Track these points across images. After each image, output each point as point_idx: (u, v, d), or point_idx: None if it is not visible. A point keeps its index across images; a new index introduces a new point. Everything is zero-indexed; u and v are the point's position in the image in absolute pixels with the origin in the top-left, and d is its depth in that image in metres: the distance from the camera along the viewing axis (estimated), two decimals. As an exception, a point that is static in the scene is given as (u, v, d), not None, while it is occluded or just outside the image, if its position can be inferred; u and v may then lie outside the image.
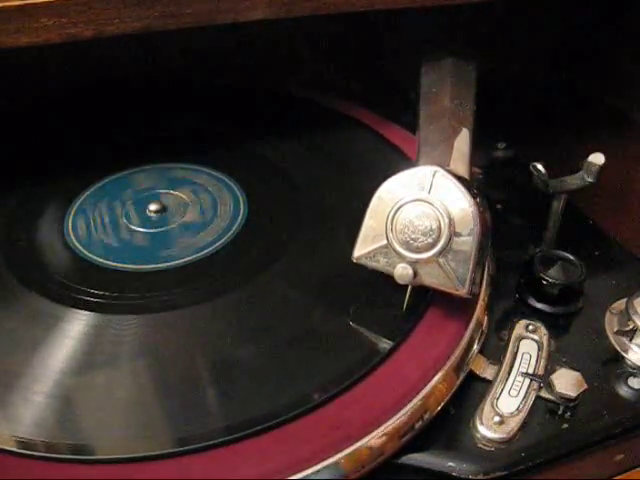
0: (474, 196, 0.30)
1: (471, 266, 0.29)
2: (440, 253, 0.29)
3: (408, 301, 0.32)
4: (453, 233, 0.29)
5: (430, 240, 0.29)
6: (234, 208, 0.39)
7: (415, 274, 0.30)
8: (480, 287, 0.35)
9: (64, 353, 0.30)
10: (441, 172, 0.30)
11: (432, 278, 0.30)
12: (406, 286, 0.31)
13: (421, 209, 0.30)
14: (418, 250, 0.30)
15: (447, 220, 0.29)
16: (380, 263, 0.31)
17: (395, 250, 0.30)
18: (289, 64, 0.57)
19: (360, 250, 0.31)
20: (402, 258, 0.30)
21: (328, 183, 0.41)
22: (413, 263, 0.30)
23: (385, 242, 0.30)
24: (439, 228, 0.29)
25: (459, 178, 0.30)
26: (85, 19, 0.29)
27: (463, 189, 0.29)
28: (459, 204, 0.29)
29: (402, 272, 0.30)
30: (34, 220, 0.39)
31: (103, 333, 0.31)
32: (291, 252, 0.36)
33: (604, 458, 0.33)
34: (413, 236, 0.30)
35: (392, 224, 0.30)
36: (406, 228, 0.30)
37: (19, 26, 0.29)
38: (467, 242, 0.29)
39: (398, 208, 0.30)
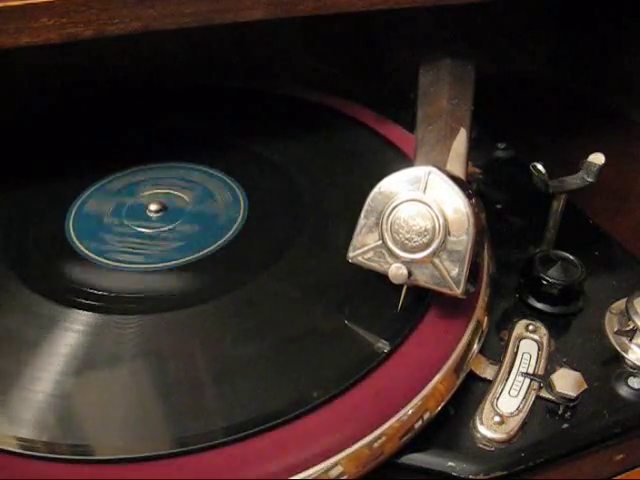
0: (469, 196, 0.30)
1: (466, 266, 0.29)
2: (435, 253, 0.29)
3: (403, 301, 0.32)
4: (448, 233, 0.29)
5: (425, 240, 0.29)
6: (234, 208, 0.39)
7: (410, 274, 0.30)
8: (480, 287, 0.35)
9: (64, 353, 0.30)
10: (436, 172, 0.30)
11: (427, 278, 0.30)
12: (402, 286, 0.31)
13: (416, 209, 0.30)
14: (413, 250, 0.30)
15: (442, 220, 0.29)
16: (375, 263, 0.31)
17: (390, 250, 0.30)
18: (289, 64, 0.57)
19: (355, 250, 0.31)
20: (397, 258, 0.30)
21: (328, 183, 0.41)
22: (408, 263, 0.30)
23: (380, 242, 0.30)
24: (434, 228, 0.29)
25: (454, 178, 0.30)
26: (85, 19, 0.29)
27: (458, 189, 0.29)
28: (454, 204, 0.29)
29: (396, 272, 0.30)
30: (34, 220, 0.39)
31: (103, 333, 0.31)
32: (291, 252, 0.36)
33: (604, 458, 0.33)
34: (408, 236, 0.30)
35: (387, 224, 0.30)
36: (401, 228, 0.30)
37: (19, 26, 0.29)
38: (462, 242, 0.29)
39: (393, 208, 0.30)
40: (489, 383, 0.33)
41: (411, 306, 0.32)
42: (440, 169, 0.30)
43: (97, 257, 0.36)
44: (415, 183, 0.30)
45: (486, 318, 0.35)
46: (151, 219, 0.38)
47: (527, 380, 0.33)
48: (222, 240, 0.37)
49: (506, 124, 0.51)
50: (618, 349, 0.35)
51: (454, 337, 0.32)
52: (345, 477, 0.28)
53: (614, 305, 0.38)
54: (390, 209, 0.30)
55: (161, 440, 0.27)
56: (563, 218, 0.40)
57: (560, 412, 0.32)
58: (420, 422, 0.30)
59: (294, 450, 0.27)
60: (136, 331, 0.31)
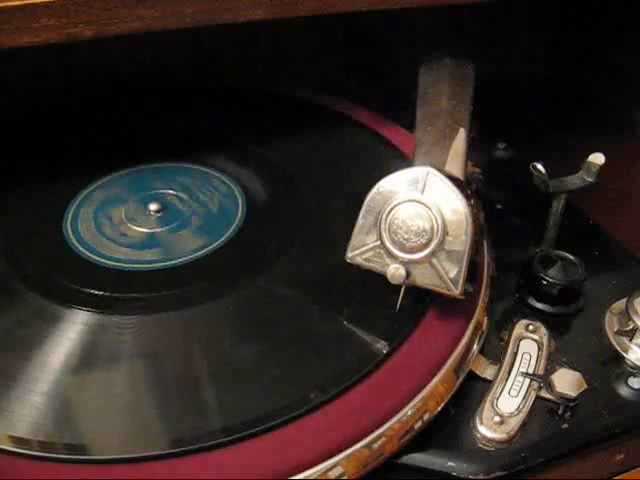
0: (467, 197, 0.30)
1: (464, 267, 0.29)
2: (433, 253, 0.29)
3: (401, 302, 0.32)
4: (446, 234, 0.29)
5: (423, 240, 0.29)
6: (234, 208, 0.39)
7: (408, 274, 0.30)
8: (480, 287, 0.35)
9: (63, 353, 0.30)
10: (434, 173, 0.30)
11: (425, 278, 0.30)
12: (401, 286, 0.31)
13: (414, 209, 0.30)
14: (411, 250, 0.30)
15: (440, 221, 0.29)
16: (373, 263, 0.31)
17: (388, 250, 0.30)
18: (289, 64, 0.57)
19: (353, 250, 0.31)
20: (395, 258, 0.30)
21: (328, 183, 0.41)
22: (406, 263, 0.30)
23: (378, 242, 0.30)
24: (432, 228, 0.29)
25: (452, 179, 0.30)
26: (85, 19, 0.29)
27: (456, 190, 0.29)
28: (452, 205, 0.29)
29: (395, 272, 0.30)
30: (34, 220, 0.39)
31: (103, 333, 0.31)
32: (291, 252, 0.36)
33: (604, 458, 0.33)
34: (406, 236, 0.30)
35: (385, 224, 0.30)
36: (399, 228, 0.30)
37: (19, 26, 0.29)
38: (460, 243, 0.29)
39: (391, 208, 0.30)
40: (489, 383, 0.33)
41: (411, 306, 0.32)
42: (439, 170, 0.30)
43: (96, 257, 0.36)
44: (414, 184, 0.30)
45: (486, 318, 0.35)
46: (151, 219, 0.38)
47: (527, 380, 0.33)
48: (221, 240, 0.37)
49: (506, 124, 0.51)
50: (618, 349, 0.35)
51: (454, 337, 0.32)
52: (345, 477, 0.28)
53: (614, 305, 0.38)
54: (388, 209, 0.30)
55: (160, 440, 0.27)
56: (563, 218, 0.40)
57: (560, 412, 0.32)
58: (420, 422, 0.30)
59: (294, 450, 0.27)
60: (135, 331, 0.31)
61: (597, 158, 0.36)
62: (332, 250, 0.35)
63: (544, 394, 0.32)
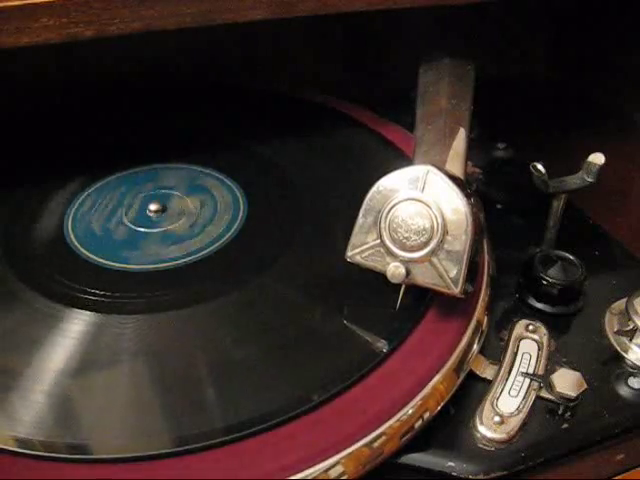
0: (467, 196, 0.30)
1: (464, 266, 0.29)
2: (433, 252, 0.29)
3: (401, 301, 0.32)
4: (446, 233, 0.29)
5: (423, 239, 0.29)
6: (234, 208, 0.39)
7: (408, 273, 0.30)
8: (480, 287, 0.35)
9: (64, 353, 0.30)
10: (434, 171, 0.30)
11: (425, 277, 0.30)
12: (401, 285, 0.31)
13: (414, 208, 0.30)
14: (411, 249, 0.30)
15: (440, 219, 0.29)
16: (373, 262, 0.31)
17: (388, 249, 0.30)
18: (289, 64, 0.57)
19: (353, 249, 0.31)
20: (395, 257, 0.30)
21: (328, 183, 0.41)
22: (406, 262, 0.30)
23: (378, 241, 0.30)
24: (432, 227, 0.29)
25: (453, 178, 0.30)
26: (85, 19, 0.29)
27: (456, 189, 0.29)
28: (452, 204, 0.29)
29: (395, 271, 0.30)
30: (34, 219, 0.39)
31: (103, 333, 0.31)
32: (291, 252, 0.36)
33: (604, 458, 0.33)
34: (406, 235, 0.30)
35: (385, 223, 0.30)
36: (399, 227, 0.30)
37: (19, 26, 0.29)
38: (460, 242, 0.29)
39: (391, 207, 0.30)
40: (489, 383, 0.33)
41: (411, 306, 0.32)
42: (439, 168, 0.30)
43: (97, 257, 0.36)
44: (414, 182, 0.30)
45: (486, 318, 0.35)
46: (151, 219, 0.38)
47: (527, 380, 0.33)
48: (222, 240, 0.37)
49: (506, 124, 0.51)
50: (618, 349, 0.35)
51: (454, 337, 0.32)
52: (345, 477, 0.28)
53: (614, 305, 0.38)
54: (388, 208, 0.30)
55: (160, 440, 0.27)
56: (563, 218, 0.40)
57: (560, 412, 0.32)
58: (420, 422, 0.30)
59: (294, 449, 0.27)
60: (136, 331, 0.31)
61: (597, 158, 0.36)
62: (332, 250, 0.35)
63: (544, 394, 0.32)
